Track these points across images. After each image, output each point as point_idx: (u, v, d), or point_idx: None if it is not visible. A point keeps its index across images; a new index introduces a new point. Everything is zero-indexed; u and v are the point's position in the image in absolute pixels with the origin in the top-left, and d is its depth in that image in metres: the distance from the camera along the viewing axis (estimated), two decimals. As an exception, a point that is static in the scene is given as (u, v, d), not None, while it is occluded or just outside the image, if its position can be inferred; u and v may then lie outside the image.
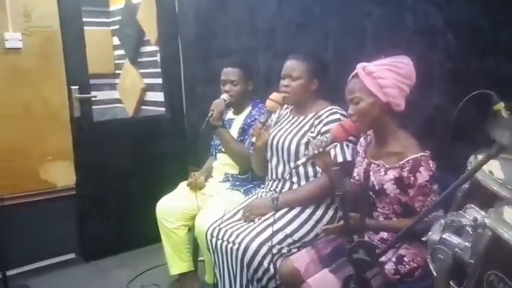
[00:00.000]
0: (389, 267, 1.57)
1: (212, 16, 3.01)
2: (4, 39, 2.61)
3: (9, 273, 2.63)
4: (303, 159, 1.67)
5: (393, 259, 1.58)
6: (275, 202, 1.83)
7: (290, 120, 2.12)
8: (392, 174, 1.58)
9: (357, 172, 1.77)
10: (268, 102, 2.07)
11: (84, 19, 2.96)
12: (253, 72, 2.50)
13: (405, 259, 1.59)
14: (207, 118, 2.29)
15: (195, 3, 3.13)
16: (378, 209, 1.68)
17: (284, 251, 1.87)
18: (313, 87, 2.04)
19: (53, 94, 2.82)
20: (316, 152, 1.60)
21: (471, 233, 0.89)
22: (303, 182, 2.01)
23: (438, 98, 1.85)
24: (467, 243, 0.88)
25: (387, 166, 1.60)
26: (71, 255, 3.02)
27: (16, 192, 2.71)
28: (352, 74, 1.62)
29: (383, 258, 1.57)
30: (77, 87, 2.87)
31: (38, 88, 2.76)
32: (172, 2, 3.28)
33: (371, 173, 1.66)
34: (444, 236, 0.95)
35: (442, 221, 1.02)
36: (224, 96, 2.39)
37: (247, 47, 2.77)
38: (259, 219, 1.98)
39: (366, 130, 1.69)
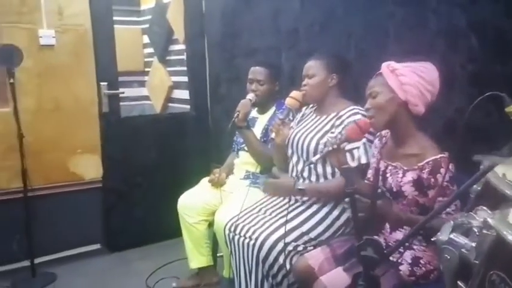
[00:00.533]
0: (404, 268, 1.57)
1: (237, 16, 3.05)
2: (39, 36, 2.73)
3: (37, 261, 2.74)
4: (317, 156, 1.68)
5: (409, 260, 1.58)
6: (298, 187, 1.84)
7: (312, 119, 2.13)
8: (410, 176, 1.57)
9: (371, 173, 1.77)
10: (288, 100, 2.11)
11: (115, 18, 3.06)
12: (280, 72, 2.53)
13: (422, 261, 1.58)
14: (233, 119, 2.33)
15: (222, 3, 3.18)
16: None
17: (300, 248, 1.89)
18: (331, 83, 2.05)
19: (83, 90, 2.93)
20: (330, 148, 1.62)
21: (477, 233, 0.89)
22: (321, 181, 2.02)
23: (459, 100, 1.83)
24: (473, 244, 0.88)
25: (405, 168, 1.60)
26: (97, 246, 3.12)
27: (46, 183, 2.83)
28: (377, 73, 1.63)
29: (398, 259, 1.57)
30: (106, 83, 2.98)
31: (69, 84, 2.87)
32: (200, 1, 3.33)
33: (388, 175, 1.66)
34: (451, 236, 0.96)
35: (452, 221, 1.02)
36: (250, 96, 2.43)
37: (271, 46, 2.80)
38: (274, 213, 2.01)
39: (381, 128, 1.69)
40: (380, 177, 1.70)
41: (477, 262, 0.88)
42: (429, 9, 1.90)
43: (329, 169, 2.00)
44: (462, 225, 1.00)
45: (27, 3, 2.68)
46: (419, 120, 1.63)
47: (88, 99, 2.94)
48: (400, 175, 1.61)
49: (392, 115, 1.60)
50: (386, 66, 1.61)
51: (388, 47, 2.11)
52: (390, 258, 1.58)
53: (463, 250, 0.93)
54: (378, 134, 1.79)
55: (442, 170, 1.50)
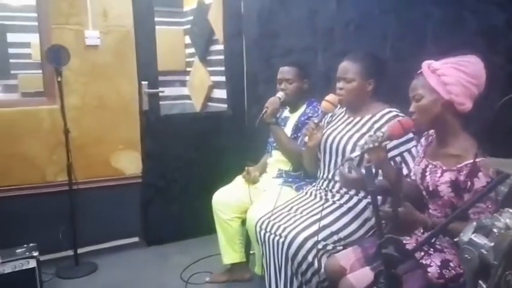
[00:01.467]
0: (433, 270, 1.54)
1: (274, 16, 3.08)
2: (85, 37, 2.88)
3: (80, 251, 2.90)
4: (356, 153, 1.68)
5: (438, 263, 1.55)
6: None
7: (345, 121, 2.12)
8: (448, 176, 1.54)
9: (414, 172, 1.75)
10: (324, 104, 2.10)
11: (159, 19, 3.17)
12: (309, 71, 2.54)
13: (451, 264, 1.55)
14: (261, 115, 2.38)
15: (259, 4, 3.22)
16: (430, 210, 1.65)
17: (329, 247, 1.90)
18: (369, 88, 2.03)
19: (125, 88, 3.05)
20: (371, 146, 1.61)
21: (497, 234, 0.88)
22: None
23: (498, 102, 1.77)
24: (491, 244, 0.87)
25: (444, 168, 1.57)
26: (135, 239, 3.24)
27: (89, 177, 2.97)
28: (417, 72, 1.61)
29: (427, 261, 1.55)
30: (146, 82, 3.09)
31: (112, 82, 3.00)
32: (238, 2, 3.39)
33: (427, 173, 1.64)
34: (472, 236, 0.95)
35: (475, 222, 1.01)
36: (279, 94, 2.47)
37: (307, 46, 2.80)
38: (305, 212, 2.03)
39: (426, 129, 1.67)
40: (419, 175, 1.68)
41: (496, 263, 0.87)
42: (467, 8, 1.85)
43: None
44: (485, 226, 0.99)
45: (75, 6, 2.83)
46: (464, 120, 1.58)
47: (130, 97, 3.07)
48: (438, 174, 1.58)
49: (437, 116, 1.56)
50: (427, 67, 1.57)
51: (425, 46, 2.07)
52: (421, 260, 1.57)
53: (482, 251, 0.92)
54: (425, 133, 1.76)
55: (480, 175, 1.46)
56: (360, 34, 2.45)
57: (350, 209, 1.98)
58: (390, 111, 1.98)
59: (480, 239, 0.93)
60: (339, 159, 2.05)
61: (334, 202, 2.04)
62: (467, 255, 0.95)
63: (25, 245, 2.34)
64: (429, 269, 1.54)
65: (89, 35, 2.88)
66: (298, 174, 2.48)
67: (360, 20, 2.44)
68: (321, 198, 2.10)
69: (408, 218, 1.50)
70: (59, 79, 2.67)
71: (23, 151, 2.80)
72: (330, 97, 2.08)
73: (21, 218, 2.74)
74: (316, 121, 2.07)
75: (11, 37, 4.76)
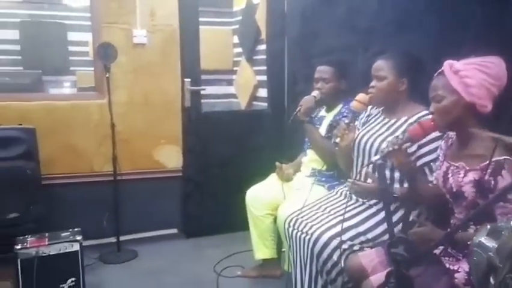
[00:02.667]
0: (460, 276, 1.50)
1: (316, 15, 3.08)
2: (133, 35, 3.03)
3: (122, 238, 3.05)
4: (377, 156, 1.66)
5: (466, 269, 1.51)
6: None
7: (380, 122, 2.09)
8: (472, 176, 1.50)
9: (436, 176, 1.71)
10: (354, 103, 2.08)
11: (208, 19, 3.27)
12: (347, 71, 2.52)
13: (479, 271, 1.50)
14: (295, 112, 2.39)
15: (302, 3, 3.23)
16: (455, 214, 1.61)
17: (356, 248, 1.88)
18: (401, 88, 1.99)
19: (169, 85, 3.17)
20: (391, 149, 1.60)
21: (504, 236, 0.86)
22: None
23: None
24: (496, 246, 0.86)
25: (467, 168, 1.53)
26: (174, 230, 3.37)
27: (133, 169, 3.12)
28: (438, 71, 1.58)
29: (454, 267, 1.51)
30: (189, 80, 3.19)
31: (157, 79, 3.14)
32: (282, 1, 3.41)
33: (449, 175, 1.60)
34: (481, 239, 0.93)
35: (489, 225, 0.99)
36: (314, 93, 2.48)
37: (347, 46, 2.78)
38: (333, 211, 2.03)
39: (446, 130, 1.63)
40: (441, 179, 1.64)
41: (501, 266, 0.85)
42: (510, 7, 1.78)
43: (397, 174, 1.95)
44: (498, 229, 0.96)
45: (124, 6, 2.99)
46: (486, 119, 1.54)
47: (173, 94, 3.19)
48: (461, 175, 1.54)
49: (457, 117, 1.54)
50: (449, 67, 1.53)
51: (465, 46, 1.99)
52: (447, 265, 1.54)
53: (490, 254, 0.90)
54: (445, 135, 1.72)
55: (504, 173, 1.41)
56: (401, 33, 2.40)
57: (379, 211, 1.96)
58: (427, 114, 1.92)
59: (489, 242, 0.91)
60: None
61: (363, 203, 2.03)
62: (475, 258, 0.93)
63: (70, 229, 2.49)
64: (456, 275, 1.50)
65: (137, 33, 3.03)
66: (331, 173, 2.48)
67: (401, 19, 2.39)
68: (350, 198, 2.09)
69: (429, 237, 1.47)
70: (107, 75, 2.82)
71: (75, 142, 3.00)
72: (361, 96, 2.05)
73: (69, 204, 2.93)
74: (347, 121, 2.06)
75: (71, 36, 5.08)
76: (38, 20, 5.09)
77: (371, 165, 1.89)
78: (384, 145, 1.82)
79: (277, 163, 2.64)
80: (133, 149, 3.11)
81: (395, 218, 1.90)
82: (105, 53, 2.80)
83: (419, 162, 1.84)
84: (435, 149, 1.82)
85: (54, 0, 5.05)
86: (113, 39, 2.92)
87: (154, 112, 3.15)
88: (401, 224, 1.90)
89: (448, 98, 1.53)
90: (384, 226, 1.92)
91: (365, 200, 2.02)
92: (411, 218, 1.49)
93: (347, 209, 1.98)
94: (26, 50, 4.98)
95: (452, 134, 1.67)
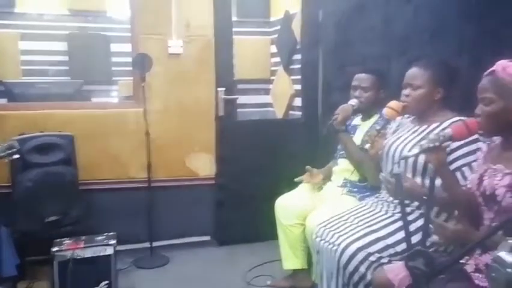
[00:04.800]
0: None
1: (350, 24, 3.05)
2: (168, 46, 3.11)
3: (155, 244, 3.11)
4: (414, 151, 1.61)
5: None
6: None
7: (411, 129, 2.03)
8: (508, 179, 1.41)
9: (471, 178, 1.62)
10: (386, 110, 2.04)
11: (247, 29, 3.29)
12: (387, 80, 2.47)
13: None
14: (330, 121, 2.36)
15: (337, 12, 3.20)
16: (485, 220, 1.52)
17: (384, 260, 1.83)
18: (437, 97, 1.93)
19: (203, 94, 3.23)
20: (430, 145, 1.54)
21: (522, 252, 0.81)
22: None
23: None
24: (513, 263, 0.80)
25: (506, 171, 1.43)
26: (207, 238, 3.40)
27: (166, 176, 3.18)
28: (488, 71, 1.49)
29: (484, 283, 1.44)
30: (223, 89, 3.23)
31: (191, 88, 3.20)
32: (317, 10, 3.40)
33: (485, 177, 1.51)
34: (499, 254, 0.88)
35: (510, 241, 0.93)
36: (352, 101, 2.43)
37: (381, 54, 2.73)
38: (362, 222, 1.98)
39: (491, 134, 1.56)
40: (476, 181, 1.56)
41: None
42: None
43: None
44: (521, 244, 0.91)
45: (160, 17, 3.08)
46: None
47: (207, 103, 3.23)
48: (498, 178, 1.45)
49: (506, 123, 1.45)
50: (502, 69, 1.45)
51: (504, 54, 1.91)
52: (476, 281, 1.46)
53: (509, 270, 0.85)
54: (488, 141, 1.65)
55: None
56: (437, 41, 2.34)
57: (409, 223, 1.89)
58: (459, 120, 1.85)
59: (507, 257, 0.86)
60: (402, 169, 1.96)
61: (393, 214, 1.97)
62: (493, 274, 0.88)
63: (105, 234, 2.57)
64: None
65: (172, 44, 3.11)
66: (364, 184, 2.43)
67: (437, 27, 2.32)
68: (380, 209, 2.04)
69: (462, 236, 1.41)
70: (143, 84, 2.91)
71: (112, 149, 3.09)
72: (393, 104, 2.01)
73: (105, 209, 3.01)
74: (378, 128, 2.02)
75: (114, 47, 5.29)
76: (85, 32, 5.34)
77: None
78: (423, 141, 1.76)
79: (308, 167, 2.61)
80: (167, 156, 3.17)
81: (413, 227, 1.82)
82: (141, 63, 2.89)
83: (451, 166, 1.76)
84: (468, 153, 1.75)
85: (99, 13, 5.27)
86: (150, 49, 3.01)
87: (188, 120, 3.20)
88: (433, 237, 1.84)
89: (497, 103, 1.44)
90: (416, 239, 1.83)
91: (395, 212, 1.96)
92: (437, 220, 1.42)
93: (376, 220, 1.93)
94: (73, 61, 5.23)
95: (496, 138, 1.59)
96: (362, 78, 2.45)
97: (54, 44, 5.21)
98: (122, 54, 5.01)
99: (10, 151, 2.28)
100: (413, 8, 2.49)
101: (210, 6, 3.15)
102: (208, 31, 3.17)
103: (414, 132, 1.99)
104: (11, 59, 5.01)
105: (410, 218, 1.87)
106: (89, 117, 3.06)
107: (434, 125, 1.92)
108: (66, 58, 5.24)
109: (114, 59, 5.30)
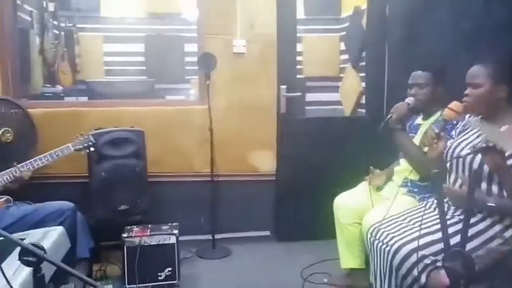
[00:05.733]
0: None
1: (418, 19, 2.93)
2: (233, 45, 3.21)
3: (217, 236, 3.23)
4: (468, 151, 1.54)
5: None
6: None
7: (477, 132, 1.93)
8: None
9: None
10: (447, 111, 1.97)
11: (316, 27, 3.30)
12: (446, 76, 2.36)
13: None
14: (385, 119, 2.31)
15: (404, 7, 3.10)
16: None
17: (439, 264, 1.75)
18: (501, 95, 1.82)
19: (265, 92, 3.28)
20: (484, 145, 1.47)
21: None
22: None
23: None
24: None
25: None
26: (266, 233, 3.46)
27: (229, 171, 3.28)
28: None
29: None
30: (285, 86, 3.26)
31: (254, 86, 3.26)
32: (384, 6, 3.31)
33: None
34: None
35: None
36: (408, 100, 2.37)
37: (449, 50, 2.60)
38: (418, 223, 1.91)
39: None
40: None
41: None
42: None
43: (495, 187, 1.77)
44: None
45: (225, 18, 3.18)
46: None
47: (269, 100, 3.29)
48: None
49: None
50: None
51: None
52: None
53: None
54: None
55: None
56: (508, 36, 2.18)
57: (470, 226, 1.80)
58: None
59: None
60: (466, 172, 1.87)
61: (453, 216, 1.88)
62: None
63: (169, 223, 2.72)
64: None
65: (236, 43, 3.20)
66: (425, 185, 2.34)
67: (509, 21, 2.17)
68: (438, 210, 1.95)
69: None
70: (208, 82, 3.03)
71: (178, 144, 3.26)
72: (454, 105, 1.93)
73: (170, 201, 3.18)
74: (437, 131, 1.94)
75: (187, 47, 5.54)
76: (161, 34, 5.64)
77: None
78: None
79: (371, 168, 2.58)
80: (230, 152, 3.27)
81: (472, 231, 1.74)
82: (205, 62, 3.02)
83: None
84: None
85: (174, 15, 5.54)
86: (215, 49, 3.12)
87: (250, 117, 3.28)
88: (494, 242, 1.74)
89: None
90: (476, 242, 1.76)
91: (455, 214, 1.88)
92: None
93: (433, 222, 1.86)
94: (149, 61, 5.56)
95: None
96: (417, 76, 2.38)
97: (133, 46, 5.57)
98: (195, 54, 5.21)
99: (86, 144, 2.52)
100: (483, 1, 2.35)
101: (273, 6, 3.20)
102: (272, 30, 3.22)
103: (480, 134, 1.88)
104: (96, 60, 5.46)
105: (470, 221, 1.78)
106: (158, 113, 3.24)
107: (503, 128, 1.80)
108: (143, 59, 5.58)
109: (187, 59, 5.54)
